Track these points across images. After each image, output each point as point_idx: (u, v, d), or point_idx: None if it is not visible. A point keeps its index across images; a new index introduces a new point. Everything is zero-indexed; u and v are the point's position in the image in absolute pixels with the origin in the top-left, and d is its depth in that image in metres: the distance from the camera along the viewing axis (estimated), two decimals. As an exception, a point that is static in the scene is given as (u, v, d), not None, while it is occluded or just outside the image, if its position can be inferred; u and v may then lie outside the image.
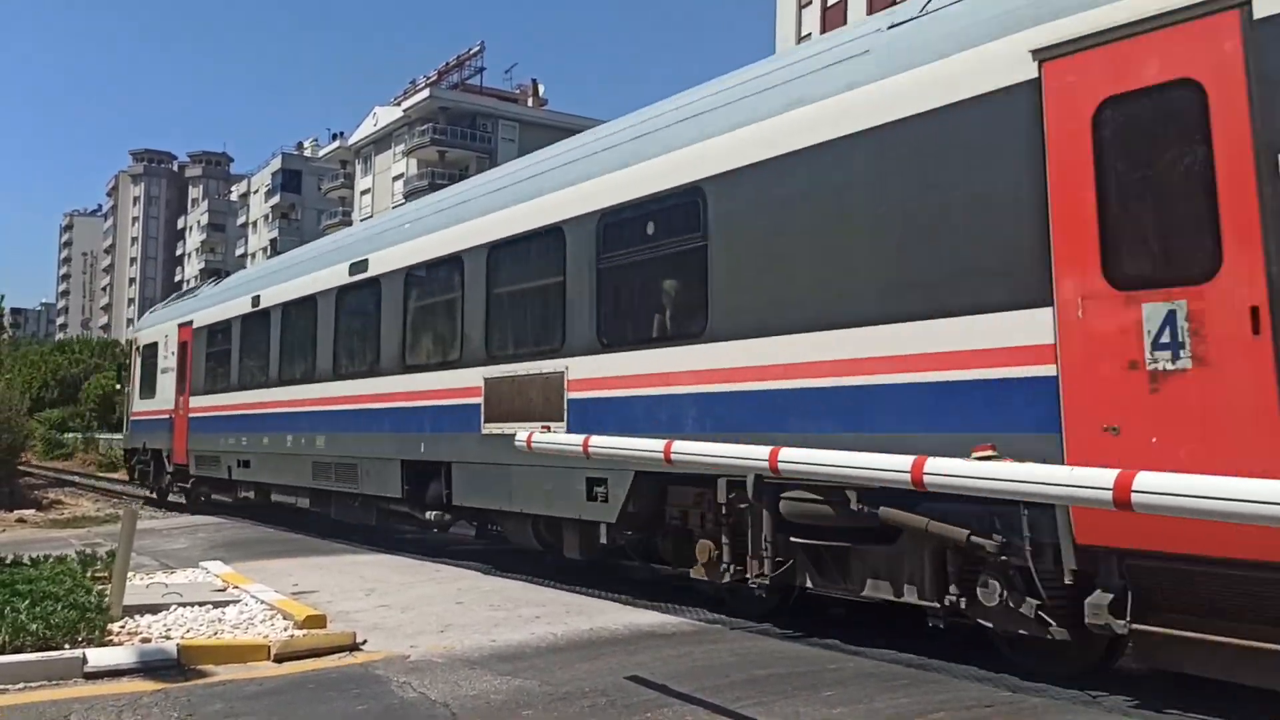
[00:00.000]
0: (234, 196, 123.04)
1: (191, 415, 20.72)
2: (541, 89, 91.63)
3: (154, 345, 23.63)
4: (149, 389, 23.75)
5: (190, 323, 21.25)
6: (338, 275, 15.05)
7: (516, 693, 6.41)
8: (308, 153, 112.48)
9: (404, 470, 12.83)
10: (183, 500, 23.01)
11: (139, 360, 24.97)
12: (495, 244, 11.35)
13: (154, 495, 24.92)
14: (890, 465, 4.28)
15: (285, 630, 8.19)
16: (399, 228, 13.99)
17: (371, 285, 14.00)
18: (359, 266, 14.42)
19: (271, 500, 17.83)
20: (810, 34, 39.99)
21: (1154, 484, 3.20)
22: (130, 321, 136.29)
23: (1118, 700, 6.09)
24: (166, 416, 22.07)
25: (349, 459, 14.19)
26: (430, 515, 12.55)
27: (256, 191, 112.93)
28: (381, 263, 13.81)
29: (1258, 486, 3.02)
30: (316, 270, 15.94)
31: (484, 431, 11.03)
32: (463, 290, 11.81)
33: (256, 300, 17.92)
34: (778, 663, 7.15)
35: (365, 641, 7.94)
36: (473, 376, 11.37)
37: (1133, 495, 3.19)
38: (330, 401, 14.83)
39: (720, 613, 9.10)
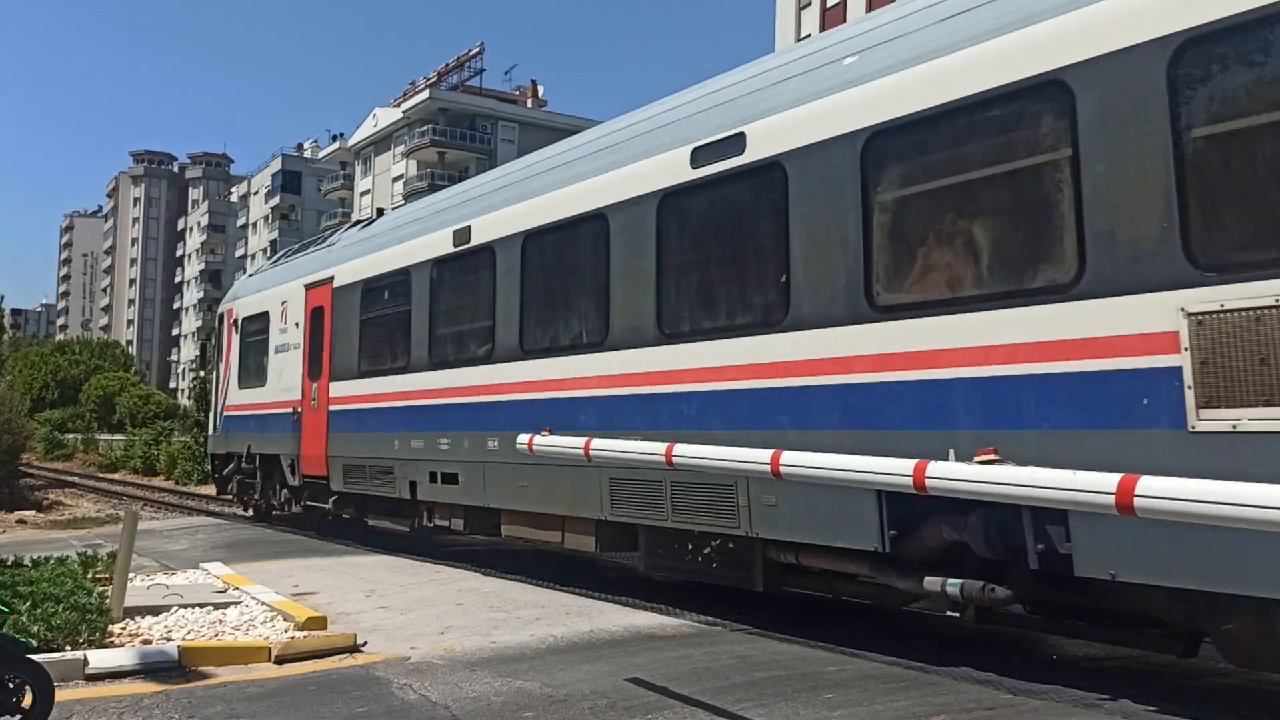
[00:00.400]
0: (234, 198, 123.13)
1: (336, 408, 14.82)
2: (541, 90, 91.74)
3: (260, 317, 17.87)
4: (253, 374, 18.03)
5: (329, 280, 15.33)
6: (659, 173, 9.25)
7: (517, 694, 6.41)
8: (308, 154, 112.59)
9: (886, 504, 7.11)
10: (293, 516, 17.57)
11: (236, 338, 19.02)
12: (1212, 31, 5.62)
13: (249, 513, 19.72)
14: (892, 469, 4.27)
15: (286, 632, 8.20)
16: (826, 66, 8.06)
17: (759, 177, 8.25)
18: (721, 149, 8.65)
19: (502, 535, 11.78)
20: (809, 35, 40.01)
21: (1157, 488, 3.20)
22: (130, 322, 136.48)
23: (1120, 704, 6.08)
24: (288, 410, 16.24)
25: (717, 474, 7.67)
26: (958, 588, 6.90)
27: (256, 193, 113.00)
28: (784, 134, 8.06)
29: (1258, 491, 3.02)
30: (598, 174, 10.12)
31: (1200, 426, 5.54)
32: (1075, 147, 6.19)
33: (463, 235, 12.11)
34: (777, 665, 7.14)
35: (366, 643, 7.94)
36: (1137, 313, 5.82)
37: (1135, 500, 3.19)
38: (648, 380, 9.19)
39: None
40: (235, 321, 19.20)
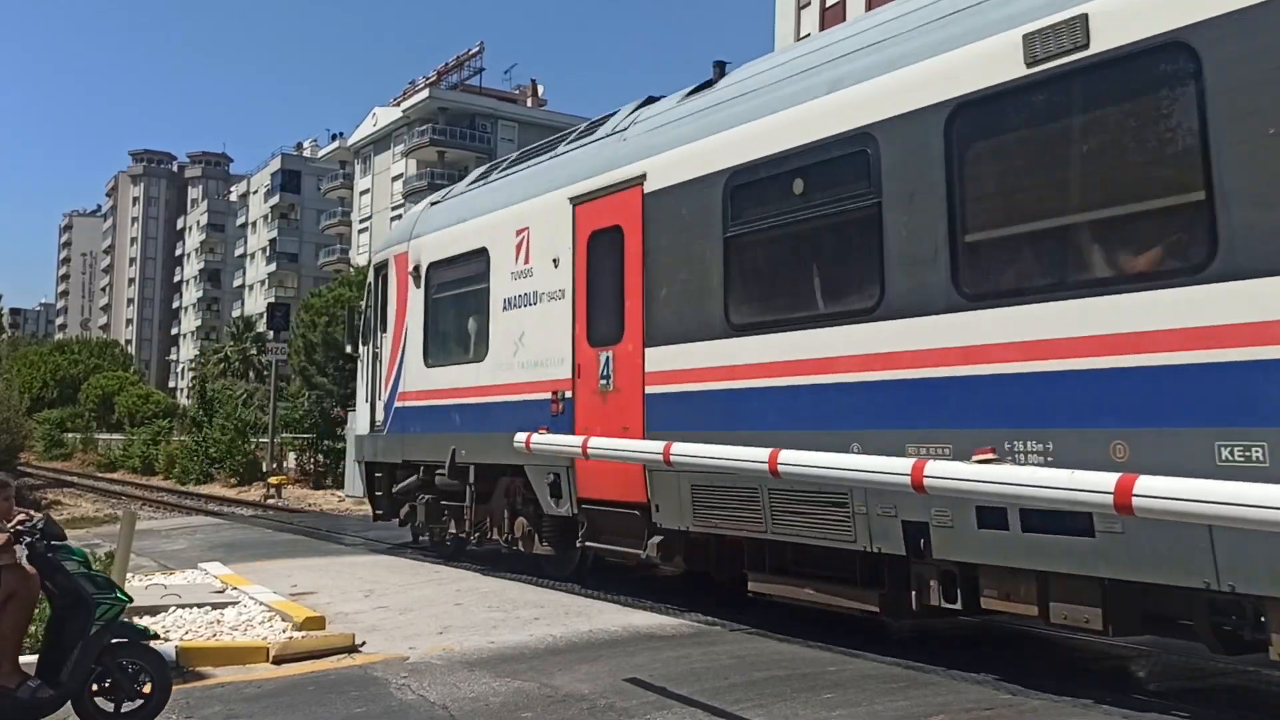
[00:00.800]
0: (233, 197, 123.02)
1: (662, 390, 9.11)
2: (541, 89, 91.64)
3: (468, 258, 12.03)
4: (455, 344, 12.44)
5: (633, 183, 9.56)
6: None
7: (515, 695, 6.40)
8: (307, 153, 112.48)
9: None
10: (526, 555, 11.54)
11: (417, 294, 13.00)
12: None
13: (421, 541, 13.89)
14: (891, 468, 4.26)
15: (284, 632, 8.20)
16: None
17: None
18: None
19: None
20: (809, 34, 40.01)
21: (1155, 488, 3.20)
22: (129, 322, 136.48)
23: (1118, 704, 6.07)
24: (539, 397, 10.52)
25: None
26: None
27: (256, 192, 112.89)
28: None
29: (1256, 491, 3.02)
30: None
31: None
32: None
33: (1067, 35, 6.28)
34: (776, 665, 7.14)
35: (364, 643, 7.94)
36: None
37: (1133, 499, 3.19)
38: None
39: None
40: (415, 270, 13.03)
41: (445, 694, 6.44)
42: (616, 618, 8.97)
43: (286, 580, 10.96)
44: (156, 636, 6.46)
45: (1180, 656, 7.42)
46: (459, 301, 12.42)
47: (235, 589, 10.09)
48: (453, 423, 12.03)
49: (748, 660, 7.28)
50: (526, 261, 10.98)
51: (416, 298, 13.04)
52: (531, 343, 10.82)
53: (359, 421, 14.96)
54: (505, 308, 11.29)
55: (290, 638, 7.95)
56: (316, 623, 8.41)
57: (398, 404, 13.25)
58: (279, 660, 7.46)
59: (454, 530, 12.59)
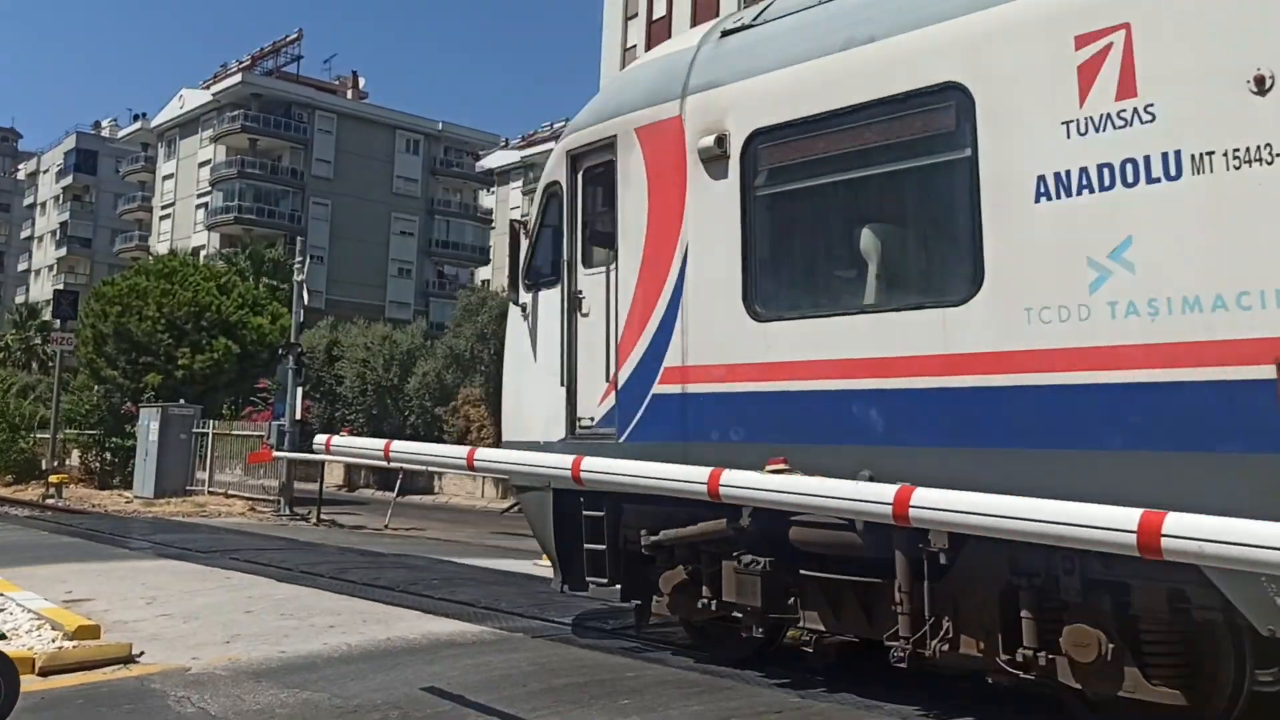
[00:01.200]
0: (21, 175, 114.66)
1: None
2: (362, 82, 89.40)
3: (853, 118, 6.37)
4: (835, 278, 6.88)
5: None
6: None
7: (304, 706, 6.17)
8: (106, 133, 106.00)
9: None
10: None
11: (710, 192, 7.11)
12: None
13: (650, 620, 8.02)
14: (689, 476, 4.32)
15: (53, 642, 7.64)
16: None
17: None
18: None
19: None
20: (635, 46, 40.54)
21: (931, 499, 3.35)
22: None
23: (899, 707, 6.34)
24: (1254, 375, 4.66)
25: None
26: None
27: (47, 171, 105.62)
28: None
29: (1011, 503, 3.19)
30: None
31: None
32: None
33: None
34: (576, 671, 7.15)
35: (143, 653, 7.50)
36: None
37: (910, 510, 3.33)
38: None
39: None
40: (716, 145, 7.08)
41: (228, 706, 6.14)
42: (416, 625, 8.79)
43: (60, 586, 10.25)
44: (4, 638, 5.97)
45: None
46: (854, 193, 6.84)
47: (1, 595, 9.36)
48: (865, 427, 6.22)
49: (548, 667, 7.26)
50: (1124, 94, 5.37)
51: (717, 196, 7.17)
52: (1177, 262, 5.11)
53: (525, 419, 8.63)
54: (1042, 195, 5.62)
55: (60, 648, 7.40)
56: (90, 631, 7.87)
57: (663, 389, 7.35)
58: (45, 672, 6.93)
59: (823, 624, 6.72)
